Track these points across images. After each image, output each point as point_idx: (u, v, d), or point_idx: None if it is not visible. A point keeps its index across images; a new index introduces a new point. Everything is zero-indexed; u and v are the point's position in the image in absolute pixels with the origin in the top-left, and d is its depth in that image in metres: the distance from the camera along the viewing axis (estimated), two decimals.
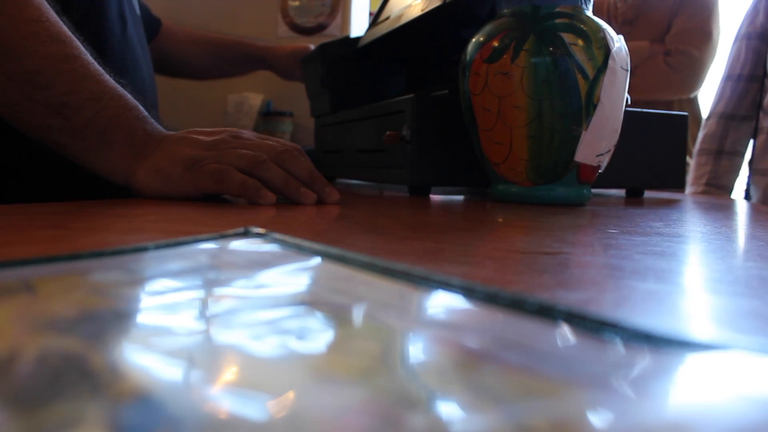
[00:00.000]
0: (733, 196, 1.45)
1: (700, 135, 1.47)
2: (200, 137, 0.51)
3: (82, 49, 0.51)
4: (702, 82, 1.68)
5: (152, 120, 0.53)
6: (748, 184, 1.40)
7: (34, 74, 0.48)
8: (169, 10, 1.57)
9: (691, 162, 1.50)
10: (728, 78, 1.44)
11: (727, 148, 1.42)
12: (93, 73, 0.51)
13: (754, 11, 1.41)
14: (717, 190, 1.41)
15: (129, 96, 0.52)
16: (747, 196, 1.41)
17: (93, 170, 0.52)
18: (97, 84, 0.51)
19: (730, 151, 1.42)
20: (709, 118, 1.46)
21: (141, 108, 0.53)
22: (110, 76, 0.52)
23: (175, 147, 0.51)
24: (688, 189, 1.46)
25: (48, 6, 0.51)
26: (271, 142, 0.53)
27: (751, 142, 1.42)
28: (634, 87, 1.61)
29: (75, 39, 0.51)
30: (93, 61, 0.52)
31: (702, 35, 1.63)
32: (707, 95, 1.69)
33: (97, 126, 0.50)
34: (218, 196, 0.53)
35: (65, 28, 0.51)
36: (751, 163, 1.40)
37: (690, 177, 1.47)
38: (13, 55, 0.48)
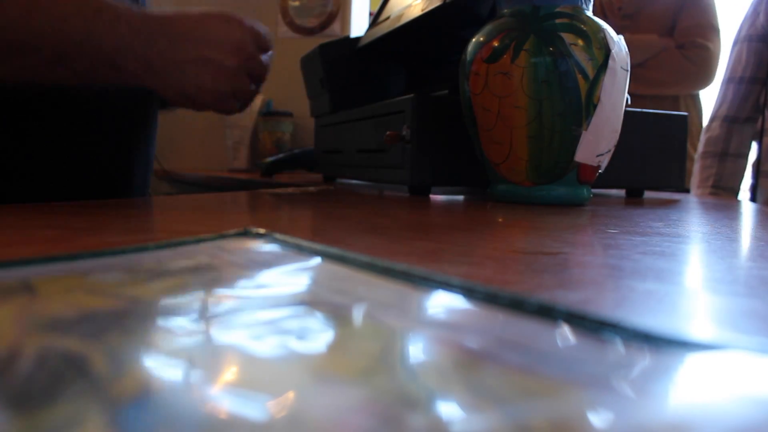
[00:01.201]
0: (738, 197, 1.45)
1: (703, 138, 1.47)
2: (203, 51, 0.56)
3: None
4: (714, 76, 1.68)
5: (131, 11, 0.53)
6: (754, 186, 1.40)
7: (19, 43, 0.48)
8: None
9: (695, 164, 1.50)
10: (730, 80, 1.43)
11: (731, 151, 1.42)
12: (66, 7, 0.49)
13: (754, 13, 1.41)
14: (723, 192, 1.41)
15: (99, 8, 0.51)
16: (753, 198, 1.41)
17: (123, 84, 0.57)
18: (78, 20, 0.50)
19: (735, 153, 1.42)
20: (712, 120, 1.46)
21: (117, 6, 0.52)
22: None
23: (175, 53, 0.55)
24: (694, 191, 1.46)
25: None
26: (243, 48, 0.58)
27: (755, 144, 1.42)
28: (648, 80, 1.61)
29: None
30: None
31: (712, 29, 1.64)
32: (708, 95, 1.69)
33: (103, 57, 0.51)
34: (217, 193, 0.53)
35: None
36: (757, 165, 1.40)
37: (695, 179, 1.47)
38: None
